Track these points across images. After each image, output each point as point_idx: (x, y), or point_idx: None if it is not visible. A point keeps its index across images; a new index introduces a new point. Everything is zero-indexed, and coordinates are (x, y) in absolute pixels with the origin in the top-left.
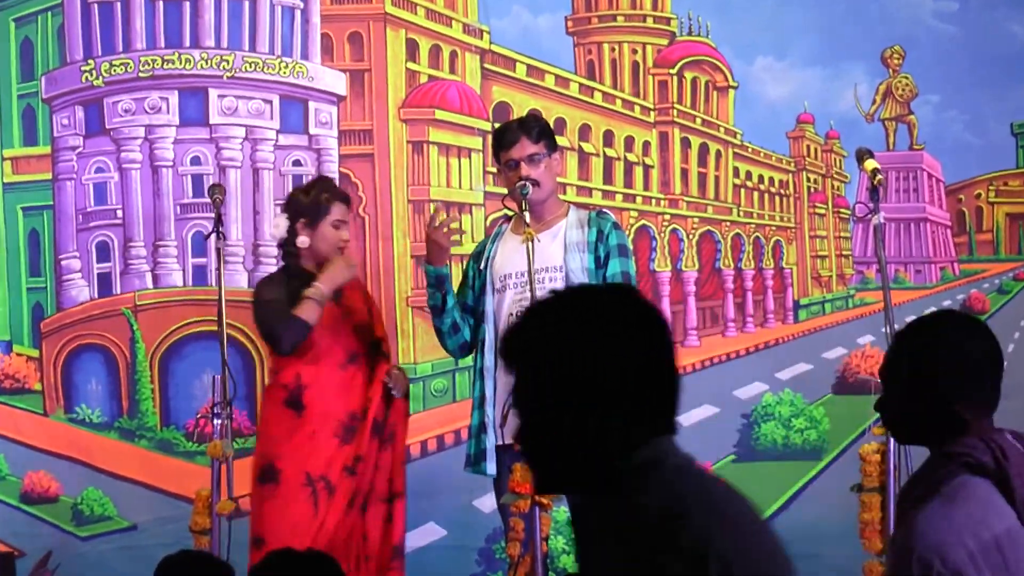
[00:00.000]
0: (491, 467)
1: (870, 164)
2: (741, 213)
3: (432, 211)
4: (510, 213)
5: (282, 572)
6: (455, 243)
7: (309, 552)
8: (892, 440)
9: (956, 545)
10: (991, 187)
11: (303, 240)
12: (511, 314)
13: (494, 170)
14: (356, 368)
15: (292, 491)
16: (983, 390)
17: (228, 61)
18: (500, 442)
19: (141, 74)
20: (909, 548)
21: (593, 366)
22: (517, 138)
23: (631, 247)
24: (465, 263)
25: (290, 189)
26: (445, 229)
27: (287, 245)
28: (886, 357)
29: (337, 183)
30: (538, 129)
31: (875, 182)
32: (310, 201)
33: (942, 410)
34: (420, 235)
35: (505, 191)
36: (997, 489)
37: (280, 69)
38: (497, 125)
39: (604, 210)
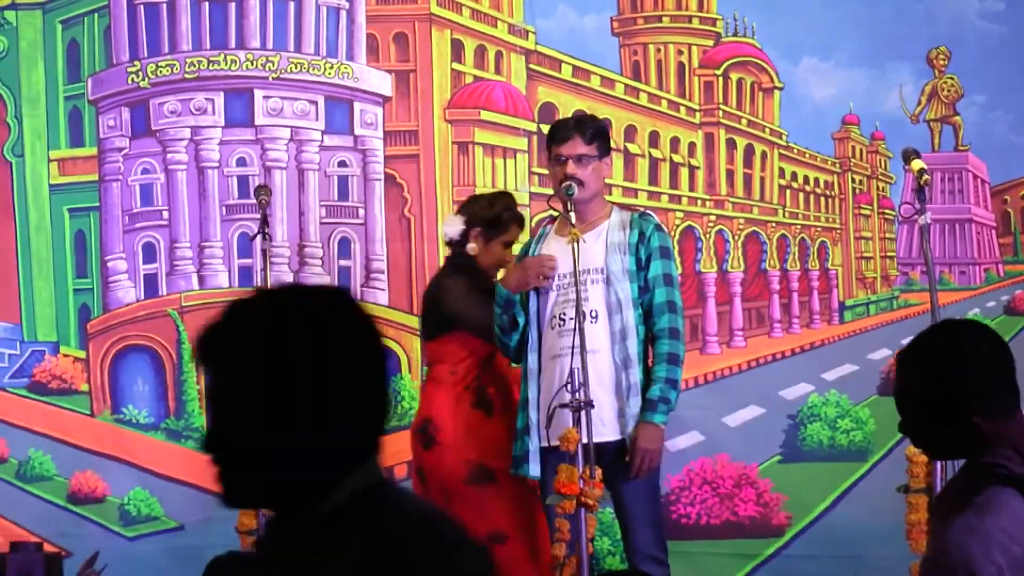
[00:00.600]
0: (534, 469)
1: (917, 164)
2: (786, 214)
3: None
4: (555, 213)
5: None
6: (540, 284)
7: None
8: None
9: (985, 559)
10: None
11: (472, 248)
12: (554, 316)
13: (540, 171)
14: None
15: (517, 485)
16: (999, 395)
17: (273, 62)
18: (545, 444)
19: (187, 75)
20: (939, 561)
21: (293, 374)
22: (570, 135)
23: (674, 249)
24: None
25: (335, 190)
26: (544, 268)
27: (456, 245)
28: (897, 380)
29: (383, 183)
30: (593, 131)
31: (922, 182)
32: (492, 215)
33: (964, 425)
34: None
35: (551, 191)
36: None
37: (325, 70)
38: (545, 126)
39: (647, 212)
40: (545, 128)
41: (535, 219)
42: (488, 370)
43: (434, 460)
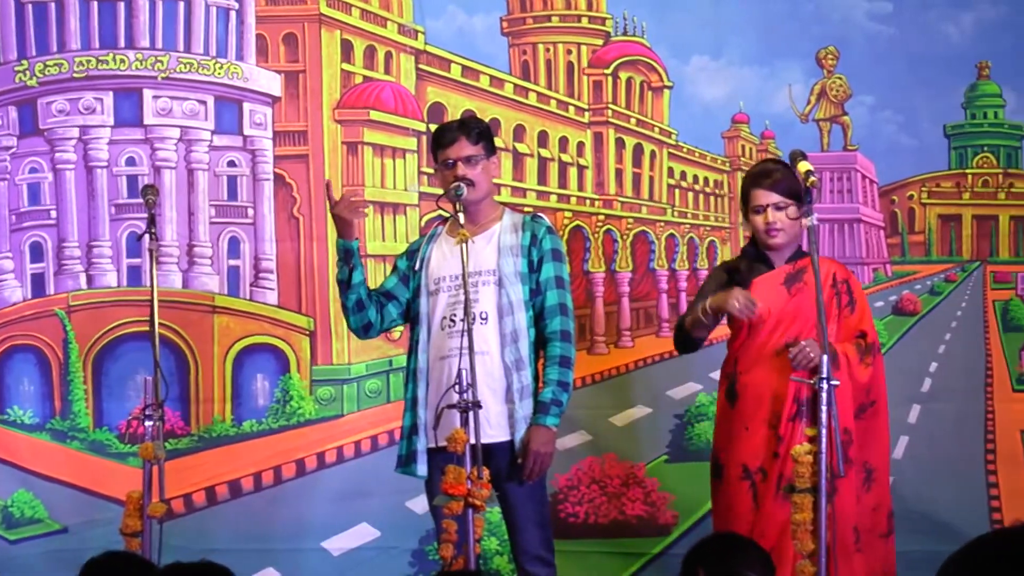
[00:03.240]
0: (422, 469)
1: (804, 166)
2: (675, 213)
3: (330, 189)
4: (445, 214)
5: None
6: (361, 215)
7: (202, 562)
8: (824, 441)
9: None
10: (924, 188)
11: (747, 225)
12: (444, 317)
13: (429, 171)
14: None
15: (733, 485)
16: None
17: (163, 62)
18: (432, 444)
19: (75, 74)
20: None
21: None
22: (455, 138)
23: (565, 251)
24: (398, 257)
25: (224, 190)
26: (347, 202)
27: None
28: None
29: (272, 183)
30: (478, 131)
31: (808, 184)
32: (741, 191)
33: None
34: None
35: (441, 191)
36: None
37: (215, 70)
38: (434, 126)
39: (539, 214)
40: (435, 128)
41: (424, 219)
42: (746, 357)
43: None
